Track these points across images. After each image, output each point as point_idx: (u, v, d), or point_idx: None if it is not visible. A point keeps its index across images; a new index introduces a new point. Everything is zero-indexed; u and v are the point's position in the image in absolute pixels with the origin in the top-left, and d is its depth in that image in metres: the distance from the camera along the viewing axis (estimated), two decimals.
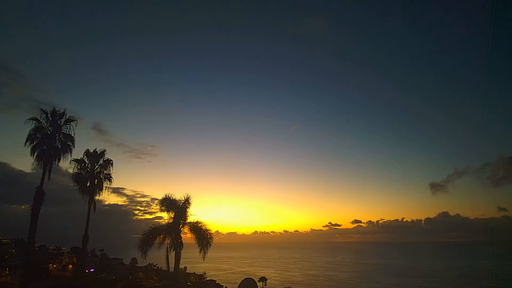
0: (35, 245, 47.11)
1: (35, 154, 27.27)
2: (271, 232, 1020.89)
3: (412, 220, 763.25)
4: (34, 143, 27.38)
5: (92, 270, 60.49)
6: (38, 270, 36.18)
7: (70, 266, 61.04)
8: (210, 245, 23.45)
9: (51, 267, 54.95)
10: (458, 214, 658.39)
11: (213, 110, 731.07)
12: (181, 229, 23.58)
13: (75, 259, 62.09)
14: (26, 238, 32.45)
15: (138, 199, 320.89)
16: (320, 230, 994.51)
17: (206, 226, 23.96)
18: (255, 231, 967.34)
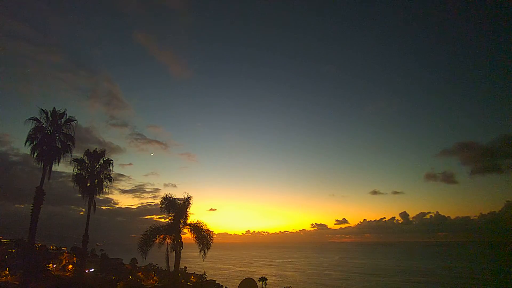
0: (35, 245, 47.02)
1: (35, 154, 27.20)
2: (263, 232, 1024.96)
3: (393, 220, 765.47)
4: (34, 143, 27.30)
5: (92, 270, 60.42)
6: (38, 270, 36.14)
7: (70, 266, 60.93)
8: (210, 245, 23.46)
9: (51, 267, 54.89)
10: (437, 212, 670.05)
11: (212, 113, 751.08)
12: (181, 229, 23.57)
13: (75, 259, 61.98)
14: (26, 238, 32.42)
15: (150, 200, 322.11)
16: (310, 230, 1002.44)
17: (206, 226, 23.99)
18: (248, 231, 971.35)
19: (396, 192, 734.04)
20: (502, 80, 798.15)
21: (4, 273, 45.36)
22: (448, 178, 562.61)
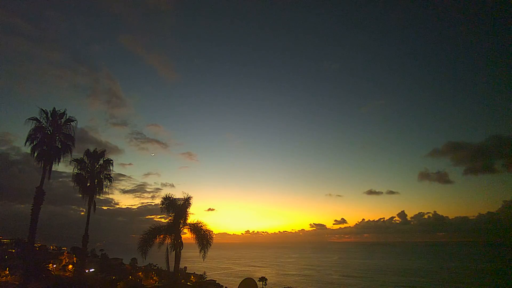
0: (35, 245, 47.01)
1: (35, 154, 27.17)
2: (262, 232, 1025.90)
3: (391, 220, 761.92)
4: (34, 143, 27.28)
5: (92, 270, 60.42)
6: (38, 270, 36.08)
7: (70, 266, 60.96)
8: (210, 245, 23.44)
9: (51, 267, 54.83)
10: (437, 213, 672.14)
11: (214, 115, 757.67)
12: (181, 229, 23.56)
13: (75, 259, 62.00)
14: (26, 238, 32.38)
15: (151, 200, 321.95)
16: (309, 230, 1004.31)
17: (206, 226, 23.98)
18: (247, 231, 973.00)
19: (391, 192, 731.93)
20: (492, 81, 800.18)
21: (4, 273, 45.38)
22: (443, 178, 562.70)
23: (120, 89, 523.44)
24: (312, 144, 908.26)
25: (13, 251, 61.42)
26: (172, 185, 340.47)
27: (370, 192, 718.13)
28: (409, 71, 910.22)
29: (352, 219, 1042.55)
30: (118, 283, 49.04)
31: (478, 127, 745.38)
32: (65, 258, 63.65)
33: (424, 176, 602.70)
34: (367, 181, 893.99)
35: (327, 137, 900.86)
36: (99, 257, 77.27)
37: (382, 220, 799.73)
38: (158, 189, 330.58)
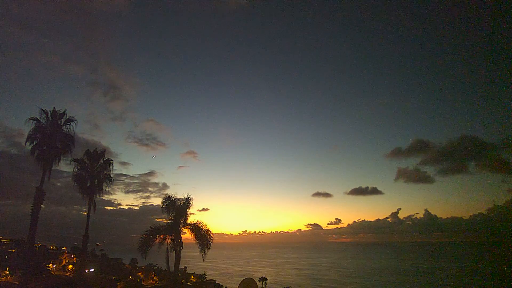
0: (35, 245, 47.07)
1: (35, 154, 27.18)
2: (260, 232, 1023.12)
3: (386, 221, 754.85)
4: (34, 143, 27.30)
5: (92, 270, 60.48)
6: (38, 270, 36.14)
7: (70, 266, 61.08)
8: (210, 245, 23.43)
9: (51, 267, 54.93)
10: (429, 213, 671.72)
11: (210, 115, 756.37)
12: (181, 229, 23.58)
13: (75, 259, 62.07)
14: (26, 238, 32.40)
15: (151, 200, 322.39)
16: (305, 230, 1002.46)
17: (206, 226, 23.98)
18: (245, 231, 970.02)
19: (376, 191, 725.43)
20: (460, 82, 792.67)
21: (4, 273, 45.44)
22: (422, 177, 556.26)
23: (119, 84, 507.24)
24: (300, 142, 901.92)
25: (13, 251, 61.49)
26: (166, 185, 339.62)
27: (355, 192, 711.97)
28: (403, 69, 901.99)
29: (344, 219, 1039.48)
30: (118, 283, 49.10)
31: (447, 127, 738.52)
32: (65, 258, 63.76)
33: (402, 175, 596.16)
34: (351, 180, 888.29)
35: (318, 135, 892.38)
36: (99, 257, 77.31)
37: (376, 220, 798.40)
38: (159, 189, 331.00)
